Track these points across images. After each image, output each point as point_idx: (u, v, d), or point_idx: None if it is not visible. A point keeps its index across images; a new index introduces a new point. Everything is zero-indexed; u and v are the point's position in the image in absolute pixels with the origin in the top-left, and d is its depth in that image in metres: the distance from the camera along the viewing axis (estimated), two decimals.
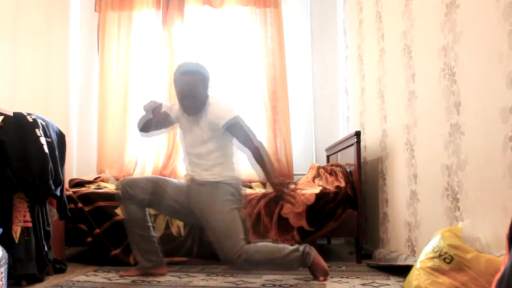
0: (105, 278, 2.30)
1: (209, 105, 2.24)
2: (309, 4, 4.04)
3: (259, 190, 3.02)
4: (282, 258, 2.14)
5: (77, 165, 3.81)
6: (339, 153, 3.35)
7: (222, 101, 2.28)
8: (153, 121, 2.34)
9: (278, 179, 2.19)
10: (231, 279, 2.25)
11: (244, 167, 3.69)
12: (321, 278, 2.16)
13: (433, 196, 2.03)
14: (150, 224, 2.34)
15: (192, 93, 2.21)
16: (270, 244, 2.22)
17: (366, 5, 3.11)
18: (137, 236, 2.30)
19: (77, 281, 2.21)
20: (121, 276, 2.32)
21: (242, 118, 2.24)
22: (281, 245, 2.21)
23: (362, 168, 3.03)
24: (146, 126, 2.39)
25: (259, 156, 2.18)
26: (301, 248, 2.19)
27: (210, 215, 2.16)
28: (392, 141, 2.61)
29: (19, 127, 2.18)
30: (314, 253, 2.20)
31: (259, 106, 3.81)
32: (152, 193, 2.27)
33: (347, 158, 3.04)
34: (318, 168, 3.25)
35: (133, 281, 2.22)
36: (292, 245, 2.68)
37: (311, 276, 2.22)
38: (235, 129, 2.21)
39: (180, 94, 2.24)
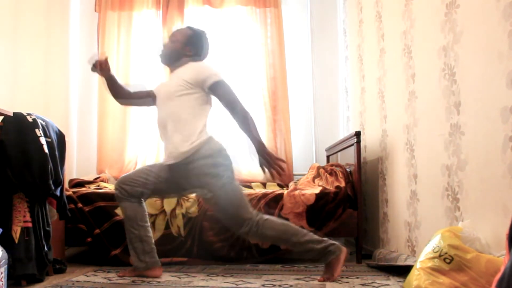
0: (105, 278, 2.30)
1: (193, 63, 2.29)
2: (309, 4, 4.04)
3: (259, 190, 3.02)
4: (297, 243, 2.15)
5: (77, 165, 3.81)
6: (339, 153, 3.34)
7: (211, 64, 2.34)
8: (107, 83, 2.38)
9: (265, 147, 2.15)
10: (231, 279, 2.25)
11: (245, 167, 3.75)
12: (320, 278, 2.15)
13: (433, 196, 2.03)
14: (146, 224, 2.33)
15: (168, 41, 2.36)
16: (289, 226, 2.21)
17: (366, 5, 3.10)
18: (132, 235, 2.28)
19: (77, 281, 2.21)
20: (119, 276, 2.32)
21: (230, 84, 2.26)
22: (304, 231, 2.19)
23: (362, 168, 3.02)
24: (115, 93, 2.41)
25: (244, 120, 2.16)
26: (327, 243, 2.15)
27: (205, 198, 2.19)
28: (392, 141, 2.61)
29: (19, 127, 2.18)
30: (337, 255, 2.14)
31: (259, 106, 3.81)
32: (146, 183, 2.28)
33: (347, 158, 3.04)
34: (318, 168, 3.25)
35: (133, 281, 2.21)
36: None
37: (311, 277, 2.22)
38: (222, 89, 2.20)
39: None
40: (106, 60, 2.36)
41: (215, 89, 2.21)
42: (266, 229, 2.15)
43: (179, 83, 2.22)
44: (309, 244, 2.16)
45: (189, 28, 2.41)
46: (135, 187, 2.28)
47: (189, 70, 2.25)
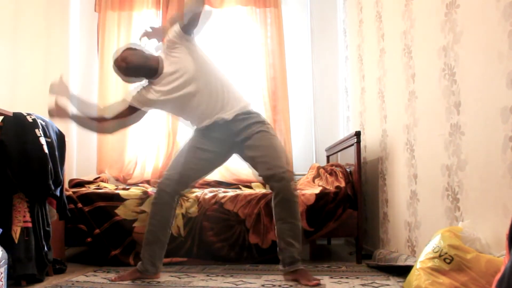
0: (104, 278, 2.29)
1: (163, 55, 2.31)
2: (309, 4, 4.04)
3: (259, 190, 3.02)
4: (299, 225, 2.21)
5: (77, 165, 3.81)
6: (339, 153, 3.34)
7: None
8: (75, 105, 2.30)
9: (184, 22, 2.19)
10: (231, 279, 2.25)
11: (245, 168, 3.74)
12: (315, 282, 2.06)
13: (433, 196, 2.03)
14: (170, 230, 2.30)
15: (135, 67, 2.24)
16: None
17: (366, 5, 3.10)
18: (157, 240, 2.23)
19: (77, 281, 2.21)
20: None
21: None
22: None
23: (362, 168, 3.02)
24: (87, 123, 2.32)
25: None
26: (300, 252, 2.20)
27: (260, 139, 2.24)
28: (392, 141, 2.61)
29: (19, 127, 2.17)
30: (302, 268, 2.17)
31: (259, 106, 3.81)
32: (187, 180, 2.29)
33: (347, 158, 3.04)
34: (318, 168, 3.25)
35: (133, 281, 2.21)
36: None
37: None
38: (183, 22, 2.21)
39: (132, 75, 2.29)
40: (61, 79, 2.25)
41: (183, 27, 2.21)
42: (295, 186, 2.22)
43: (180, 59, 2.24)
44: (301, 234, 2.22)
45: (122, 54, 2.29)
46: (183, 183, 2.27)
47: (168, 48, 2.28)
